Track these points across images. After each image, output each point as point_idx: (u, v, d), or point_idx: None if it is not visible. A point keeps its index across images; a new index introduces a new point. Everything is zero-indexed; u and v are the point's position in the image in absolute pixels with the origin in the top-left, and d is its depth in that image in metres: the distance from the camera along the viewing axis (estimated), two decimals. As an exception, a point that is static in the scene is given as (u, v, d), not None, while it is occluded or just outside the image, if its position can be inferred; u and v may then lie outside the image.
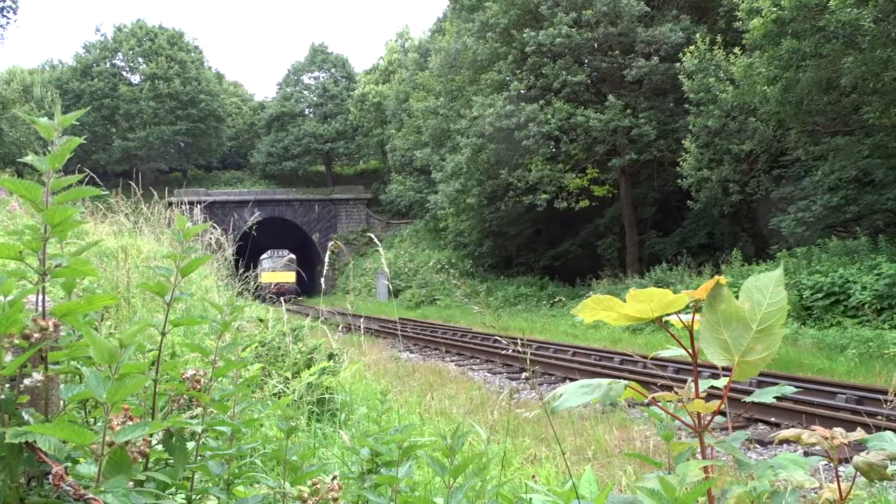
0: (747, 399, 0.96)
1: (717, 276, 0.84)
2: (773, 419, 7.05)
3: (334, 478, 1.47)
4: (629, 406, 6.94)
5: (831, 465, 0.93)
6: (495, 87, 25.29)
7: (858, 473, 0.90)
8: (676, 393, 0.89)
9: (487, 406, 7.31)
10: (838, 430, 0.87)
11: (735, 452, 0.92)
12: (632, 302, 0.86)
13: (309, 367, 4.64)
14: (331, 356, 5.24)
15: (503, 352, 12.01)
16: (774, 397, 0.98)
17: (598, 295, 0.89)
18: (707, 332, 0.84)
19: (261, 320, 6.05)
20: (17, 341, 1.06)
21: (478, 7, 26.73)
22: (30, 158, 1.19)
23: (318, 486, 1.36)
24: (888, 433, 0.90)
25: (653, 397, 0.90)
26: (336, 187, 49.78)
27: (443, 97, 31.09)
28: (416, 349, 14.76)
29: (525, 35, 23.20)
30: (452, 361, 12.39)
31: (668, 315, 0.88)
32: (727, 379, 0.92)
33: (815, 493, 0.96)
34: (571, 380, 9.61)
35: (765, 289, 0.83)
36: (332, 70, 57.22)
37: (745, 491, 0.86)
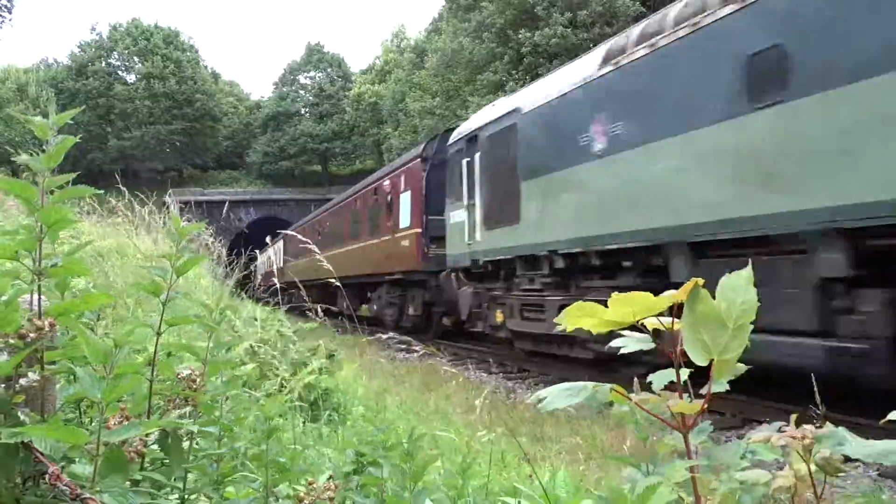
0: (703, 391, 0.98)
1: (695, 279, 0.87)
2: (767, 419, 7.06)
3: (331, 478, 1.47)
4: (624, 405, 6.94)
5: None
6: (492, 87, 25.31)
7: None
8: (659, 394, 0.90)
9: (484, 405, 7.31)
10: (808, 428, 0.88)
11: (711, 449, 0.94)
12: (613, 306, 0.87)
13: (306, 367, 4.64)
14: (327, 356, 5.25)
15: (500, 352, 12.02)
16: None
17: (580, 301, 0.91)
18: (688, 332, 0.86)
19: (257, 320, 6.05)
20: (12, 341, 1.06)
21: (474, 7, 26.74)
22: (24, 158, 1.19)
23: (314, 485, 1.36)
24: (841, 429, 0.91)
25: (635, 399, 0.91)
26: (332, 187, 49.80)
27: (439, 97, 31.09)
28: (412, 349, 14.76)
29: (521, 35, 23.22)
30: (449, 361, 12.38)
31: (649, 318, 0.90)
32: (686, 373, 0.93)
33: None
34: (566, 380, 9.52)
35: (737, 288, 0.85)
36: (329, 70, 57.26)
37: (731, 489, 0.87)
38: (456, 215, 12.06)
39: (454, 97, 29.57)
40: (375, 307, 17.91)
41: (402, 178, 15.54)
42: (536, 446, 5.27)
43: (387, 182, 16.78)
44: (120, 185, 7.53)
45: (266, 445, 1.42)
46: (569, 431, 6.19)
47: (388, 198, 16.40)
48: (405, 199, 15.16)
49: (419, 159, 14.64)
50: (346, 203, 21.83)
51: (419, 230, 14.02)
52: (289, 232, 8.06)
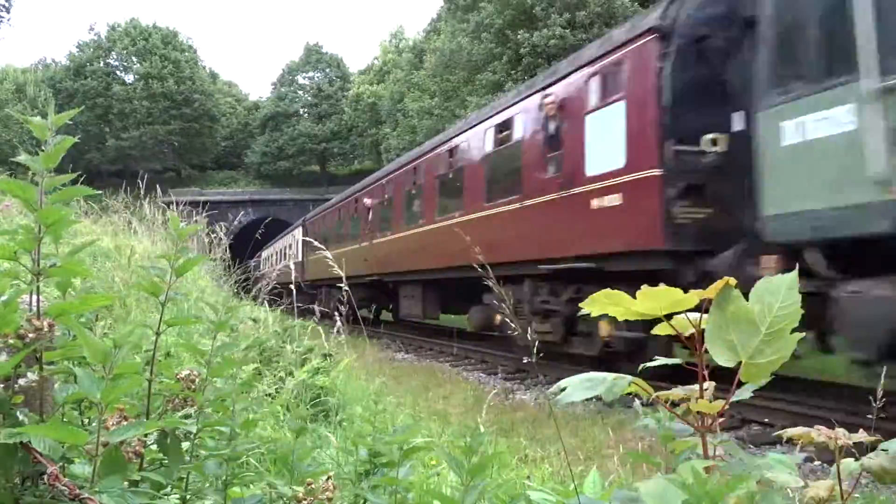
0: (732, 399, 0.97)
1: (726, 277, 0.85)
2: (766, 420, 7.07)
3: (329, 478, 1.47)
4: (626, 407, 6.96)
5: (815, 465, 0.94)
6: (490, 87, 25.32)
7: (854, 473, 0.91)
8: (681, 392, 0.90)
9: (482, 406, 7.32)
10: (841, 431, 0.88)
11: (737, 451, 0.93)
12: (641, 299, 0.86)
13: (303, 367, 4.63)
14: (325, 356, 5.24)
15: (498, 353, 12.02)
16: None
17: (608, 290, 0.89)
18: (714, 332, 0.84)
19: (254, 320, 6.04)
20: (11, 341, 1.06)
21: (472, 7, 26.77)
22: (23, 158, 1.19)
23: (312, 486, 1.36)
24: None
25: (656, 395, 0.91)
26: (331, 187, 49.79)
27: (437, 97, 31.11)
28: (410, 349, 14.76)
29: (520, 36, 23.25)
30: (447, 362, 12.39)
31: (676, 313, 0.88)
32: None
33: (801, 492, 0.97)
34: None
35: (776, 291, 0.83)
36: (327, 70, 57.30)
37: (745, 492, 0.87)
38: (815, 122, 5.65)
39: (453, 97, 29.59)
40: (498, 317, 10.69)
41: (598, 82, 8.31)
42: (535, 447, 5.27)
43: (548, 99, 9.14)
44: (122, 188, 7.52)
45: (294, 444, 1.43)
46: (568, 432, 6.19)
47: (551, 127, 9.10)
48: (604, 120, 8.14)
49: (654, 37, 7.42)
50: (425, 159, 14.27)
51: (655, 172, 7.22)
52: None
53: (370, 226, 17.70)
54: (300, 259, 23.45)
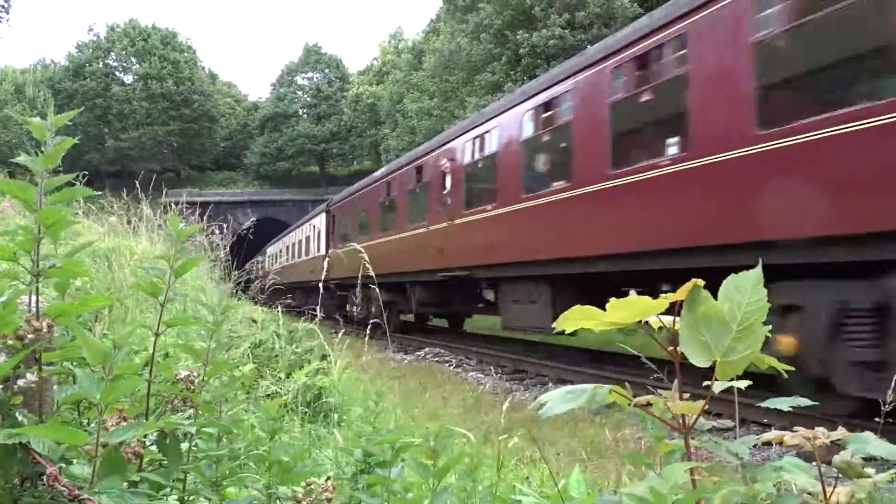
0: (763, 405, 0.97)
1: (694, 279, 0.86)
2: (765, 420, 7.07)
3: (328, 479, 1.47)
4: (625, 406, 6.94)
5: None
6: (490, 88, 25.32)
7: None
8: (660, 395, 0.90)
9: (481, 407, 7.32)
10: (820, 430, 0.88)
11: (726, 455, 0.93)
12: (612, 311, 0.87)
13: (303, 368, 4.63)
14: (324, 357, 5.24)
15: (497, 353, 12.01)
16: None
17: (579, 305, 0.91)
18: (687, 333, 0.86)
19: (254, 321, 6.04)
20: (10, 342, 1.06)
21: (472, 8, 26.78)
22: (23, 159, 1.19)
23: (312, 486, 1.36)
24: (868, 434, 0.91)
25: (636, 401, 0.91)
26: (330, 188, 49.79)
27: (437, 98, 31.12)
28: (410, 350, 14.76)
29: (519, 36, 23.26)
30: (446, 363, 12.39)
31: (649, 318, 0.90)
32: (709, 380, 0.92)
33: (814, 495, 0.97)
34: (563, 381, 9.20)
35: (743, 288, 0.84)
36: (326, 70, 57.32)
37: (729, 491, 0.87)
38: None
39: (452, 98, 29.60)
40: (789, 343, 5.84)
41: None
42: (534, 447, 5.27)
43: None
44: (139, 184, 7.49)
45: (270, 445, 1.43)
46: (567, 433, 6.19)
47: None
48: None
49: None
50: (565, 88, 8.93)
51: None
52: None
53: (451, 200, 12.32)
54: (323, 253, 20.03)
